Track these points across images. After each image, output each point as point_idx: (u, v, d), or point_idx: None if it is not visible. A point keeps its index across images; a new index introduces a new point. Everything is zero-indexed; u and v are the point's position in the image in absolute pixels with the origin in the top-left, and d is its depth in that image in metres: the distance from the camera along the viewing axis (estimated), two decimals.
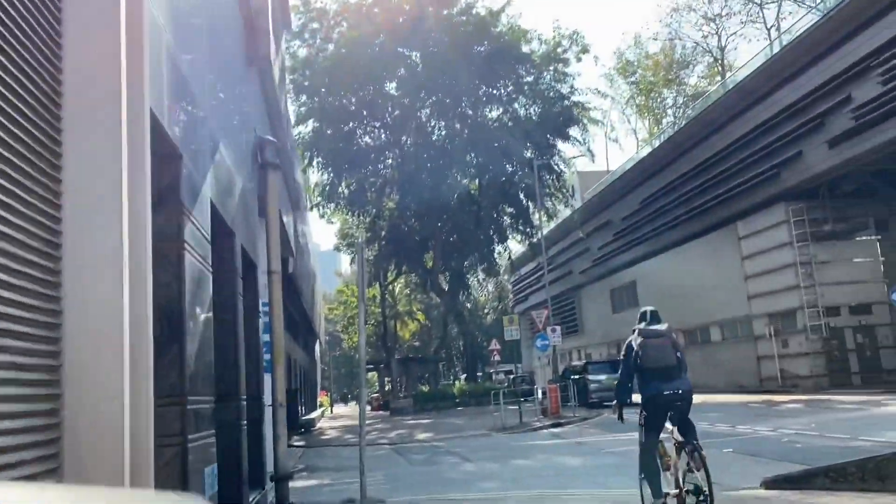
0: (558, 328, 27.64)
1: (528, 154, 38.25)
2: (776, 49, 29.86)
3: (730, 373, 34.41)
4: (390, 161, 42.11)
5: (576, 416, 23.33)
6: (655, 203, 40.69)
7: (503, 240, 45.17)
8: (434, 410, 33.68)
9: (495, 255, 47.16)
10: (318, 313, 45.02)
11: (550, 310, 25.17)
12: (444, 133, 39.05)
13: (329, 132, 38.58)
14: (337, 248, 54.79)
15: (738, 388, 32.74)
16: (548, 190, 40.34)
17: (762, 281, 31.68)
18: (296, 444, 20.87)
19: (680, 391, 6.06)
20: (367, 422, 30.26)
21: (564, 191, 41.18)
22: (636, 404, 6.62)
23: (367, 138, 40.87)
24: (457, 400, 36.97)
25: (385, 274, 48.27)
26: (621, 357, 6.65)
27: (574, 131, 40.71)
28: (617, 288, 48.78)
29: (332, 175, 40.99)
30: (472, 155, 40.84)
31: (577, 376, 28.91)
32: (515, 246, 51.11)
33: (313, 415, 33.99)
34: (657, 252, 41.85)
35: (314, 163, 40.09)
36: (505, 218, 44.14)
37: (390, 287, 56.32)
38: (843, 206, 29.04)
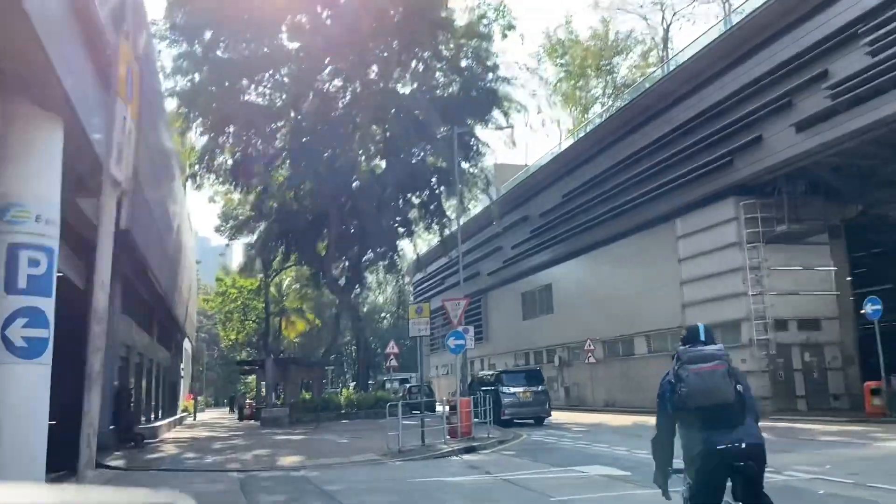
0: (471, 328, 22.62)
1: (443, 131, 33.25)
2: (735, 20, 26.09)
3: (654, 390, 30.26)
4: (283, 127, 36.18)
5: (490, 437, 18.34)
6: (579, 198, 36.55)
7: (409, 233, 39.95)
8: (314, 423, 27.95)
9: (398, 251, 41.94)
10: (185, 303, 38.26)
11: (469, 301, 20.08)
12: (347, 100, 33.48)
13: (212, 88, 32.23)
14: (218, 230, 47.75)
15: None
16: (465, 175, 35.48)
17: (701, 287, 27.82)
18: (109, 464, 14.81)
19: (743, 444, 3.59)
20: (225, 434, 24.18)
21: (483, 177, 36.42)
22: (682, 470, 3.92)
23: (256, 98, 34.75)
24: (343, 411, 31.33)
25: (271, 262, 42.02)
26: (657, 399, 4.08)
27: (496, 114, 36.06)
28: (529, 292, 44.43)
29: (212, 139, 34.68)
30: (379, 130, 35.55)
31: (487, 388, 23.96)
32: (420, 242, 46.13)
33: (160, 422, 27.47)
34: (578, 253, 37.72)
35: (191, 124, 33.63)
36: (413, 207, 38.99)
37: (277, 279, 50.02)
38: (799, 206, 25.50)
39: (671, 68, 30.45)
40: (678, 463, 4.10)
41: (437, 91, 34.94)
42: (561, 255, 39.29)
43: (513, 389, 24.30)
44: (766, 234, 25.36)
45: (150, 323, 28.68)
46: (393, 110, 32.36)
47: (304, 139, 33.95)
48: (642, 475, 11.08)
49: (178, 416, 34.92)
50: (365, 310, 79.19)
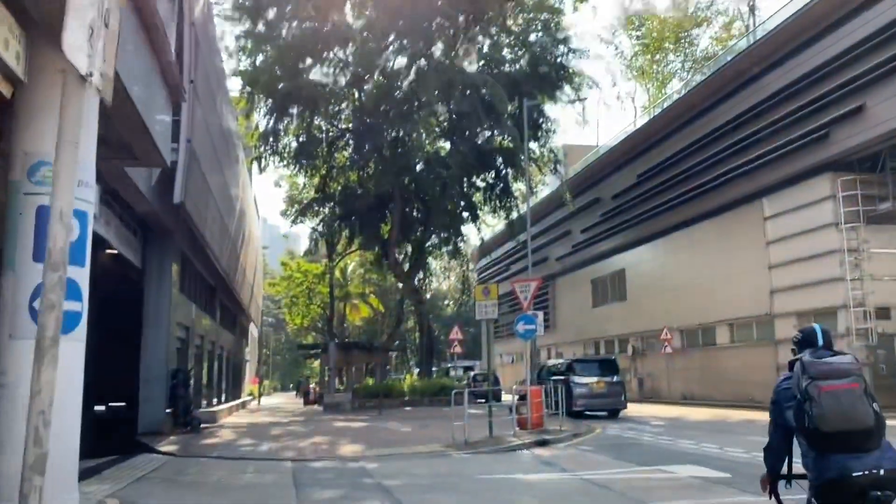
0: (540, 314, 21.18)
1: (511, 110, 31.70)
2: None
3: (737, 383, 28.35)
4: (346, 108, 35.34)
5: (563, 429, 16.97)
6: (655, 178, 34.56)
7: (474, 217, 38.56)
8: (377, 409, 27.08)
9: (463, 236, 40.58)
10: (249, 287, 38.04)
11: (541, 282, 18.64)
12: (412, 78, 32.26)
13: (275, 68, 31.52)
14: (283, 214, 47.34)
15: (748, 403, 26.71)
16: (533, 155, 33.90)
17: (792, 271, 25.66)
18: (160, 449, 14.10)
19: (882, 472, 3.18)
20: (285, 420, 23.48)
21: (552, 157, 34.75)
22: (800, 476, 3.62)
23: (320, 78, 33.87)
24: (406, 398, 30.39)
25: (335, 245, 41.35)
26: (770, 405, 3.66)
27: (567, 91, 34.26)
28: (600, 278, 42.61)
29: (276, 120, 34.07)
30: (444, 109, 34.29)
31: (557, 377, 22.51)
32: (485, 227, 44.79)
33: (221, 406, 27.07)
34: (653, 237, 35.77)
35: (256, 105, 33.04)
36: (477, 189, 37.62)
37: (341, 263, 49.49)
38: None
39: (759, 35, 28.16)
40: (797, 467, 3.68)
41: (505, 67, 33.41)
42: (634, 239, 37.39)
43: (585, 379, 22.80)
44: (867, 214, 23.11)
45: (213, 305, 28.30)
46: (459, 88, 31.01)
47: (367, 119, 32.98)
48: (743, 478, 9.63)
49: (241, 401, 34.69)
50: (429, 296, 78.55)
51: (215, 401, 28.82)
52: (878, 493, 3.25)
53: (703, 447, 13.73)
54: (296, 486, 9.83)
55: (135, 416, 17.52)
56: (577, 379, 22.59)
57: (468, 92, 30.92)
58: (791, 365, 3.57)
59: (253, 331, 54.45)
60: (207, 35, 20.42)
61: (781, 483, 3.86)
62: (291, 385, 76.57)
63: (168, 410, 18.04)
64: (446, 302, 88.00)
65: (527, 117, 27.33)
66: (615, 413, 23.31)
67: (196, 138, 16.85)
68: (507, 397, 27.80)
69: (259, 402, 43.61)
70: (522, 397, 16.80)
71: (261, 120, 34.37)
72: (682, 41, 40.35)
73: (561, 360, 26.74)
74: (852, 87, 22.22)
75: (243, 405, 35.67)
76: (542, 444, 14.88)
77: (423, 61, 31.04)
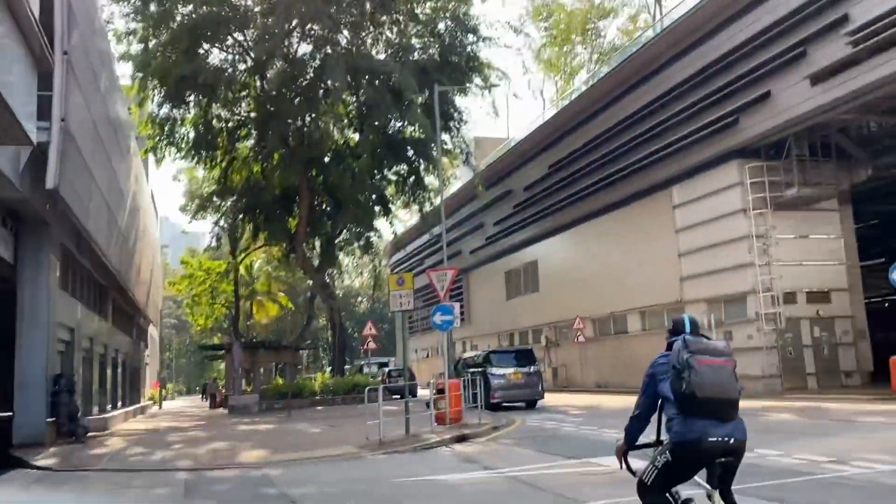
0: (457, 305, 20.42)
1: (421, 100, 30.74)
2: None
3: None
4: (248, 95, 33.56)
5: (482, 423, 16.26)
6: (566, 168, 34.46)
7: (387, 210, 37.49)
8: (286, 410, 25.72)
9: (375, 230, 39.41)
10: (147, 286, 35.72)
11: (457, 272, 17.80)
12: (317, 65, 30.87)
13: (170, 52, 29.53)
14: (183, 210, 44.82)
15: None
16: (445, 146, 33.11)
17: (701, 258, 25.89)
18: (36, 463, 12.48)
19: (732, 440, 3.79)
20: (187, 424, 21.88)
21: (464, 148, 34.11)
22: (650, 444, 4.20)
23: (218, 63, 31.98)
24: (317, 397, 29.14)
25: (238, 241, 39.42)
26: (645, 377, 4.18)
27: (477, 82, 33.69)
28: (513, 270, 42.38)
29: (171, 108, 32.01)
30: (353, 97, 33.09)
31: (474, 370, 21.82)
32: (397, 222, 43.73)
33: (115, 412, 25.06)
34: (565, 227, 35.71)
35: (149, 91, 30.77)
36: (389, 181, 36.59)
37: (247, 261, 47.39)
38: (808, 169, 23.60)
39: (665, 24, 28.35)
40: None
41: (414, 55, 32.45)
42: (547, 230, 37.27)
43: (503, 371, 22.19)
44: (774, 200, 23.46)
45: (104, 305, 26.22)
46: (366, 76, 29.91)
47: (270, 107, 31.42)
48: None
49: (140, 406, 32.47)
50: (340, 294, 76.83)
51: (109, 407, 26.71)
52: (730, 457, 3.76)
53: None
54: (187, 501, 8.64)
55: (9, 426, 15.67)
56: (494, 370, 21.95)
57: (376, 81, 29.88)
58: (669, 346, 4.08)
59: (153, 333, 51.53)
60: (87, 9, 18.55)
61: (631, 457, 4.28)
62: (197, 388, 73.36)
63: (50, 420, 16.25)
64: (360, 299, 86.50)
65: (438, 105, 26.50)
66: (533, 403, 22.87)
67: (74, 119, 15.16)
68: (423, 392, 27.00)
69: (160, 406, 41.18)
70: (440, 391, 15.97)
71: (154, 108, 32.15)
72: (590, 33, 40.55)
73: (477, 352, 26.08)
74: (758, 73, 22.45)
75: (142, 410, 33.46)
76: (462, 439, 14.10)
77: (328, 48, 29.74)
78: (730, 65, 23.74)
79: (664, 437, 4.08)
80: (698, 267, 25.98)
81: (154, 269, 41.60)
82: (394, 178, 36.58)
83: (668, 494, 3.99)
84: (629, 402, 17.66)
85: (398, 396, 33.58)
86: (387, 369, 39.01)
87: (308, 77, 31.04)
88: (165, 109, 31.96)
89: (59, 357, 18.86)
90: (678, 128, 26.20)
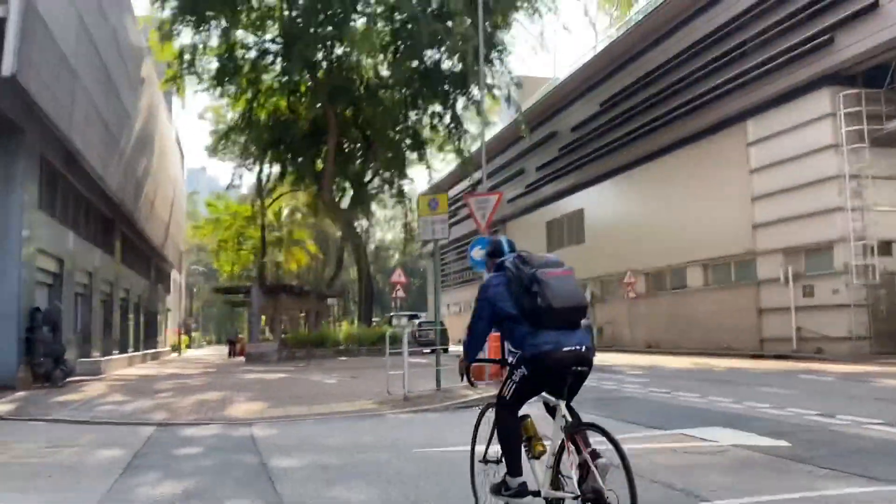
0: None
1: (464, 26, 27.40)
2: None
3: (709, 330, 25.48)
4: (273, 18, 30.61)
5: None
6: (621, 105, 31.14)
7: (421, 154, 34.47)
8: (307, 360, 23.39)
9: (407, 175, 36.41)
10: (163, 224, 33.52)
11: (502, 197, 14.88)
12: None
13: None
14: (212, 151, 41.97)
15: (722, 350, 23.90)
16: (487, 79, 29.87)
17: (779, 203, 22.62)
18: None
19: (584, 348, 3.81)
20: (192, 372, 19.57)
21: (510, 79, 30.84)
22: (491, 361, 5.26)
23: None
24: (342, 347, 26.78)
25: (262, 179, 36.91)
26: (478, 301, 4.07)
27: (523, 11, 30.38)
28: (556, 220, 39.31)
29: (193, 31, 29.23)
30: (387, 22, 29.95)
31: None
32: (433, 166, 40.73)
33: (114, 357, 22.88)
34: (616, 171, 32.48)
35: (166, 8, 27.96)
36: (425, 122, 33.53)
37: (274, 206, 45.05)
38: None
39: None
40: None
41: None
42: (595, 175, 34.06)
43: None
44: (872, 134, 20.05)
45: (109, 239, 23.92)
46: None
47: (296, 32, 28.43)
48: (807, 446, 6.49)
49: (153, 351, 30.46)
50: (372, 247, 74.40)
51: (117, 352, 24.66)
52: (580, 367, 3.78)
53: (715, 402, 10.45)
54: (126, 470, 6.08)
55: None
56: None
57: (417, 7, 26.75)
58: (499, 266, 3.99)
59: (177, 278, 49.76)
60: None
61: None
62: (224, 338, 72.08)
63: (27, 360, 13.97)
64: (391, 252, 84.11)
65: (482, 24, 23.32)
66: None
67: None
68: (456, 349, 24.44)
69: (179, 353, 39.41)
70: None
71: (174, 32, 29.29)
72: None
73: None
74: None
75: (156, 357, 31.48)
76: None
77: None
78: None
79: (510, 357, 4.08)
80: (775, 212, 22.73)
81: (175, 209, 39.46)
82: (429, 118, 33.55)
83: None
84: (692, 363, 14.36)
85: (429, 350, 31.39)
86: (417, 321, 36.53)
87: None
88: (186, 35, 29.35)
89: (45, 291, 16.61)
90: (757, 52, 22.78)
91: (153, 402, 11.16)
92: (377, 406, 10.05)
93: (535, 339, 3.74)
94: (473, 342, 4.15)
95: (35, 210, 14.69)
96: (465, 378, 4.29)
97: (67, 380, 14.61)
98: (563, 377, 3.77)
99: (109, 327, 24.01)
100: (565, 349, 3.70)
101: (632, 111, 30.39)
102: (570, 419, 3.74)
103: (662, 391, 12.31)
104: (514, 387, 3.85)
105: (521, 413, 3.95)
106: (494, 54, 30.01)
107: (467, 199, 13.59)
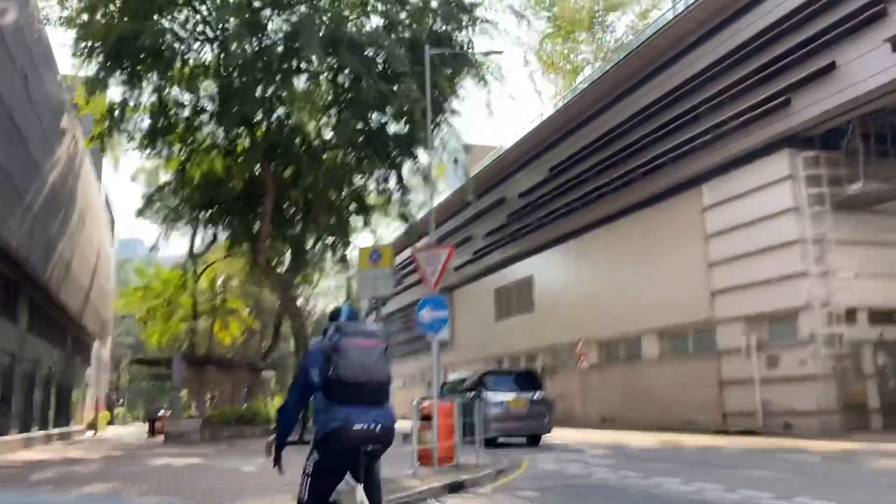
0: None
1: (410, 88, 26.36)
2: None
3: (669, 404, 24.05)
4: (207, 75, 28.99)
5: (481, 464, 11.78)
6: (570, 170, 30.39)
7: (366, 221, 32.73)
8: (234, 438, 20.97)
9: (350, 241, 34.64)
10: (81, 290, 30.88)
11: (453, 251, 13.20)
12: (289, 30, 26.59)
13: (116, 17, 25.01)
14: (140, 214, 39.42)
15: (686, 427, 22.44)
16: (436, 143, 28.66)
17: (738, 268, 21.66)
18: None
19: (378, 427, 3.61)
20: (92, 456, 16.96)
21: (458, 145, 29.76)
22: (303, 442, 3.96)
23: (176, 29, 27.45)
24: (273, 425, 24.32)
25: (197, 246, 34.58)
26: (299, 370, 4.09)
27: (469, 77, 29.58)
28: (504, 287, 37.95)
29: (124, 86, 27.31)
30: (329, 79, 28.74)
31: (465, 395, 17.29)
32: (380, 230, 39.10)
33: (12, 436, 20.08)
34: (566, 237, 31.49)
35: (92, 61, 26.03)
36: (370, 177, 32.04)
37: (210, 273, 42.63)
38: (875, 160, 19.60)
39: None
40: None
41: (405, 33, 28.19)
42: (544, 241, 33.02)
43: (501, 397, 17.68)
44: (833, 197, 19.41)
45: (14, 305, 21.37)
46: (346, 45, 25.59)
47: (232, 87, 26.91)
48: None
49: (56, 431, 27.28)
50: (314, 318, 71.63)
51: (16, 430, 21.75)
52: (375, 445, 3.55)
53: (706, 490, 8.86)
54: None
55: None
56: (490, 396, 17.39)
57: (357, 52, 25.59)
58: (325, 332, 3.85)
59: (99, 350, 46.31)
60: None
61: (284, 453, 3.85)
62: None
63: None
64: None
65: (429, 77, 22.24)
66: (537, 439, 18.37)
67: None
68: (400, 425, 22.43)
69: (95, 433, 36.01)
70: (426, 418, 11.44)
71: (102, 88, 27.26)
72: (597, 25, 36.64)
73: (466, 375, 21.40)
74: (820, 41, 18.58)
75: (65, 436, 28.31)
76: (458, 487, 9.60)
77: (303, 7, 25.38)
78: (781, 34, 19.87)
79: (307, 435, 3.84)
80: (735, 278, 21.75)
81: (99, 276, 36.72)
82: (375, 182, 32.13)
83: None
84: (657, 440, 12.40)
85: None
86: None
87: (277, 51, 26.76)
88: (116, 92, 27.49)
89: None
90: (711, 115, 22.25)
91: (19, 498, 8.91)
92: None
93: (325, 416, 3.58)
94: (286, 415, 3.82)
95: None
96: (274, 462, 3.87)
97: None
98: (354, 458, 3.58)
99: (7, 403, 21.18)
100: (356, 427, 3.52)
101: (582, 176, 29.63)
102: (365, 502, 3.56)
103: (637, 475, 10.65)
104: (308, 482, 3.60)
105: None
106: (441, 117, 29.01)
107: (414, 256, 11.97)
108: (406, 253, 43.22)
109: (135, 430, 51.95)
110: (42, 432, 24.81)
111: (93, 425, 38.05)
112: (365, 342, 3.68)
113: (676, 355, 24.74)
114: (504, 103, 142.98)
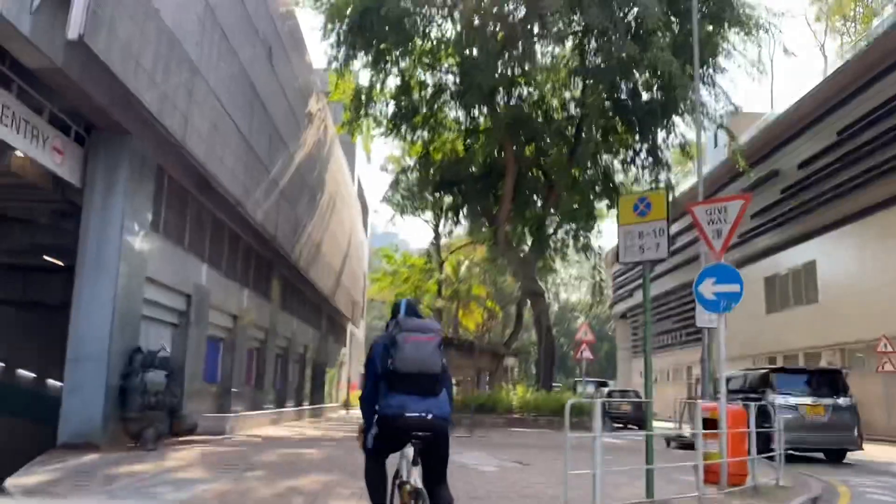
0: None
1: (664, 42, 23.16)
2: None
3: None
4: (447, 50, 27.95)
5: (781, 485, 8.85)
6: (865, 132, 25.07)
7: (610, 193, 29.85)
8: (473, 427, 19.59)
9: (595, 220, 31.90)
10: (333, 272, 31.71)
11: (750, 200, 10.02)
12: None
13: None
14: (386, 200, 39.63)
15: None
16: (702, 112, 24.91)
17: None
18: (16, 480, 7.35)
19: (429, 416, 3.99)
20: (336, 435, 16.40)
21: (725, 106, 25.83)
22: None
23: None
24: (515, 415, 22.78)
25: (439, 228, 34.36)
26: (366, 362, 4.46)
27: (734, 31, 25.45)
28: (778, 275, 32.94)
29: (369, 69, 27.22)
30: (575, 39, 26.26)
31: (745, 398, 13.99)
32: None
33: (265, 412, 20.42)
34: (860, 215, 26.14)
35: (339, 40, 25.95)
36: (616, 156, 29.19)
37: (452, 260, 42.59)
38: None
39: None
40: None
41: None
42: (832, 220, 27.79)
43: (794, 401, 14.17)
44: None
45: (264, 280, 21.80)
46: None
47: (472, 55, 25.60)
48: None
49: (308, 408, 28.01)
50: (556, 308, 69.76)
51: (270, 406, 22.36)
52: (424, 433, 3.93)
53: None
54: None
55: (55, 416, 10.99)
56: (780, 400, 13.91)
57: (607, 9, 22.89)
58: (387, 326, 4.37)
59: (355, 332, 48.52)
60: None
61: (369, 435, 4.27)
62: None
63: (122, 409, 11.34)
64: (575, 313, 78.95)
65: (697, 31, 19.02)
66: (841, 455, 14.62)
67: None
68: (658, 425, 19.60)
69: (348, 410, 37.27)
70: (710, 422, 8.69)
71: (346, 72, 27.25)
72: None
73: (745, 371, 17.79)
74: None
75: (317, 413, 29.13)
76: None
77: None
78: None
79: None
80: None
81: (351, 261, 37.91)
82: (623, 157, 29.19)
83: (393, 476, 4.27)
84: None
85: (621, 425, 26.43)
86: (607, 389, 31.64)
87: (519, 15, 24.97)
88: (364, 76, 27.58)
89: (169, 331, 14.26)
90: None
91: (224, 485, 7.77)
92: None
93: (385, 401, 4.05)
94: (365, 405, 4.33)
95: (146, 228, 12.28)
96: (362, 444, 4.32)
97: (159, 440, 11.72)
98: (405, 443, 4.06)
99: (260, 379, 21.72)
100: (409, 414, 3.95)
101: (879, 139, 24.33)
102: (418, 485, 3.97)
103: None
104: (371, 442, 4.18)
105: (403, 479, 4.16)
106: (705, 71, 25.25)
107: (691, 209, 9.26)
108: None
109: None
110: (295, 408, 25.47)
111: (346, 404, 39.48)
112: (419, 337, 4.09)
113: None
114: (775, 61, 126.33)
